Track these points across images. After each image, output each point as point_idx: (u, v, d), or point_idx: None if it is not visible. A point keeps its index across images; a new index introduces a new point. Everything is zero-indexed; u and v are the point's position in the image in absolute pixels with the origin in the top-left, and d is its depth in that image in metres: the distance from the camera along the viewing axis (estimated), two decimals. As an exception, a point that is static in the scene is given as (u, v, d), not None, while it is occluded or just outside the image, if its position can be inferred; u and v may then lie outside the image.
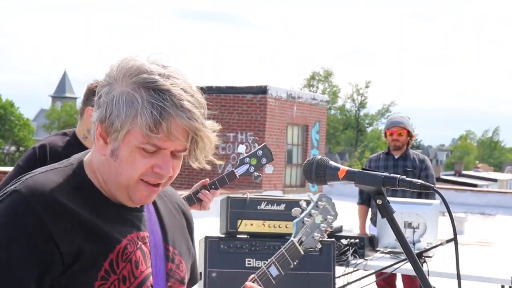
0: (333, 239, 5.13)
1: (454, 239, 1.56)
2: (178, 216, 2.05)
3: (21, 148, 54.90)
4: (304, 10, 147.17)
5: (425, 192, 6.50)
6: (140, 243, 1.83)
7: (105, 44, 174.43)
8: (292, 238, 2.73)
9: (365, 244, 5.66)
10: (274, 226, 4.67)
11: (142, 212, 1.88)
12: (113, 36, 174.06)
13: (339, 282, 5.32)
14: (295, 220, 2.87)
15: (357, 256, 5.61)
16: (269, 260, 2.65)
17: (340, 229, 6.05)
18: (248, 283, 2.30)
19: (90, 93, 3.73)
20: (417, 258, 1.70)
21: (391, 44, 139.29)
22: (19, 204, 1.71)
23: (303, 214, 2.89)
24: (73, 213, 1.73)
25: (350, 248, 5.63)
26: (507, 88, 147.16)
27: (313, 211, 2.91)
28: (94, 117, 1.76)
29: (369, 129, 68.77)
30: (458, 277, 1.67)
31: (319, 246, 2.89)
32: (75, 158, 1.88)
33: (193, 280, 2.09)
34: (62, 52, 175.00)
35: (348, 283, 5.37)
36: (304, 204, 2.92)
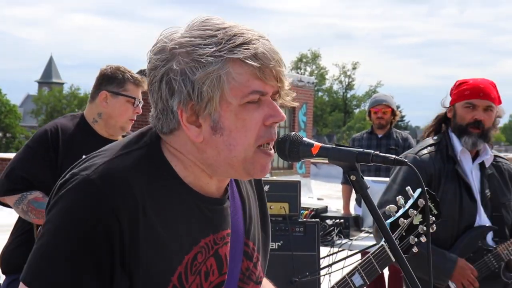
0: (318, 220, 5.14)
1: (426, 215, 1.55)
2: (254, 196, 1.85)
3: (7, 135, 54.60)
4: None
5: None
6: (216, 246, 1.64)
7: (91, 29, 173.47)
8: (382, 242, 2.29)
9: (350, 224, 5.68)
10: (258, 207, 4.68)
11: (225, 203, 1.68)
12: (99, 21, 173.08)
13: (324, 262, 5.33)
14: (388, 220, 2.44)
15: (342, 236, 5.62)
16: (352, 268, 2.25)
17: (325, 210, 6.07)
18: None
19: (104, 78, 3.80)
20: (391, 234, 1.69)
21: (378, 25, 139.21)
22: (93, 197, 1.50)
23: (398, 214, 2.46)
24: (147, 216, 1.53)
25: (335, 228, 5.63)
26: (494, 68, 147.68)
27: (411, 210, 2.46)
28: (174, 105, 1.56)
29: (356, 111, 68.84)
30: (429, 255, 1.66)
31: (415, 250, 2.46)
32: (149, 136, 1.66)
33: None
34: (48, 37, 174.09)
35: (333, 263, 5.39)
36: (401, 201, 2.49)
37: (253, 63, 1.53)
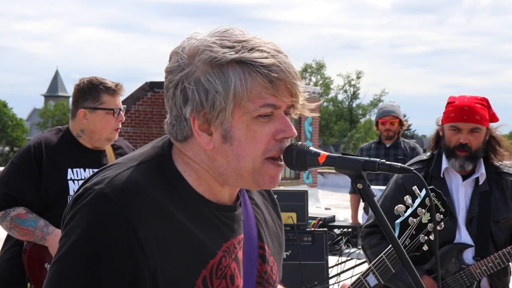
0: (326, 229, 5.15)
1: (433, 222, 1.56)
2: (270, 205, 1.88)
3: (15, 148, 54.77)
4: (296, 1, 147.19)
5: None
6: (236, 250, 1.66)
7: (98, 42, 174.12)
8: None
9: (358, 233, 5.67)
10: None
11: (237, 210, 1.70)
12: (106, 34, 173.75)
13: (332, 272, 5.34)
14: (398, 220, 2.47)
15: (350, 245, 5.63)
16: (366, 268, 2.26)
17: (333, 219, 6.08)
18: None
19: (79, 94, 3.75)
20: (399, 243, 1.70)
21: (385, 34, 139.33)
22: (109, 211, 1.51)
23: (407, 213, 2.51)
24: (166, 223, 1.54)
25: (343, 237, 5.65)
26: (502, 76, 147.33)
27: (419, 209, 2.50)
28: (187, 112, 1.57)
29: (362, 120, 68.80)
30: (437, 258, 1.67)
31: (425, 248, 2.52)
32: (160, 147, 1.66)
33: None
34: (54, 50, 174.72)
35: (342, 272, 5.39)
36: (409, 200, 2.53)
37: (267, 78, 1.55)
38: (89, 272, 1.51)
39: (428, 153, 3.78)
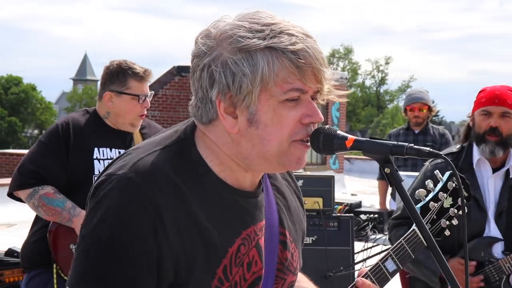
0: (352, 214, 5.13)
1: (462, 207, 1.54)
2: (295, 191, 1.88)
3: (43, 132, 55.34)
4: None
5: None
6: (257, 237, 1.66)
7: (127, 26, 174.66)
8: (414, 227, 2.26)
9: (385, 219, 5.65)
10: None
11: (259, 196, 1.70)
12: (134, 18, 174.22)
13: (358, 257, 5.33)
14: (418, 205, 2.46)
15: (377, 231, 5.60)
16: (385, 253, 2.23)
17: (359, 205, 6.05)
18: (360, 279, 1.98)
19: (107, 77, 3.78)
20: (426, 227, 1.69)
21: (415, 19, 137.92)
22: (135, 195, 1.51)
23: (428, 197, 2.49)
24: (188, 209, 1.54)
25: (369, 223, 5.62)
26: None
27: (441, 193, 2.48)
28: (213, 95, 1.56)
29: (389, 106, 68.36)
30: (465, 245, 1.66)
31: (447, 233, 2.49)
32: (183, 131, 1.66)
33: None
34: (83, 34, 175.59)
35: (368, 258, 5.37)
36: (430, 185, 2.51)
37: (294, 63, 1.54)
38: (114, 256, 1.50)
39: (458, 146, 3.74)
